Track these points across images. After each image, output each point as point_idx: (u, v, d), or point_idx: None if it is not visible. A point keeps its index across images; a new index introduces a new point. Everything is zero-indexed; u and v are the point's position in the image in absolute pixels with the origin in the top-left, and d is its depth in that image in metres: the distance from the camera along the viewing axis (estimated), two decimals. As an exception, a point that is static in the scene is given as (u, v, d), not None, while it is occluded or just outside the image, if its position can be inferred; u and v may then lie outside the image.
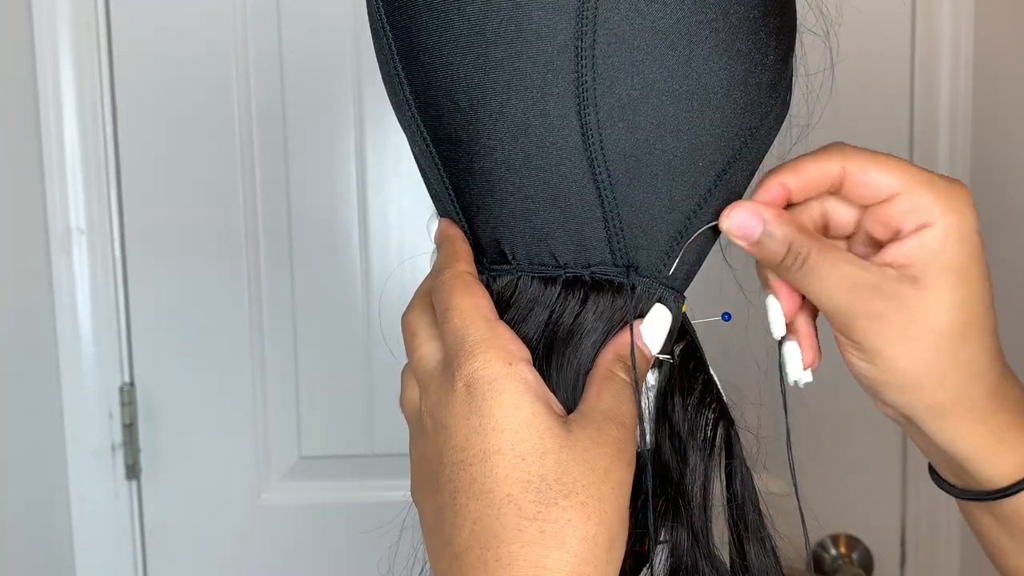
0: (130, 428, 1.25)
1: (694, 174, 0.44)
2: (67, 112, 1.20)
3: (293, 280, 1.26)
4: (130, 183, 1.24)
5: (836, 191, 0.46)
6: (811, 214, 0.47)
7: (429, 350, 0.45)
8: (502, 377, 0.41)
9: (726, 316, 0.49)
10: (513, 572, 0.39)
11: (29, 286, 1.19)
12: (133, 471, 1.26)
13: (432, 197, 0.50)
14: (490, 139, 0.44)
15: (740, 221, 0.44)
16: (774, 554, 0.47)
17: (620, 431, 0.43)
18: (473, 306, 0.43)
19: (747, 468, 0.47)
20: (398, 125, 1.31)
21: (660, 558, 0.45)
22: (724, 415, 0.47)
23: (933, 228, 0.43)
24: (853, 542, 1.25)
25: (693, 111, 0.43)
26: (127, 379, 1.26)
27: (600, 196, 0.44)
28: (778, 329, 0.47)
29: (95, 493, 1.26)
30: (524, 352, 0.43)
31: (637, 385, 0.44)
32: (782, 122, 0.47)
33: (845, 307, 0.44)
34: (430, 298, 0.46)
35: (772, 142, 0.47)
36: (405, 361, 0.48)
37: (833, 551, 1.25)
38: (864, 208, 0.46)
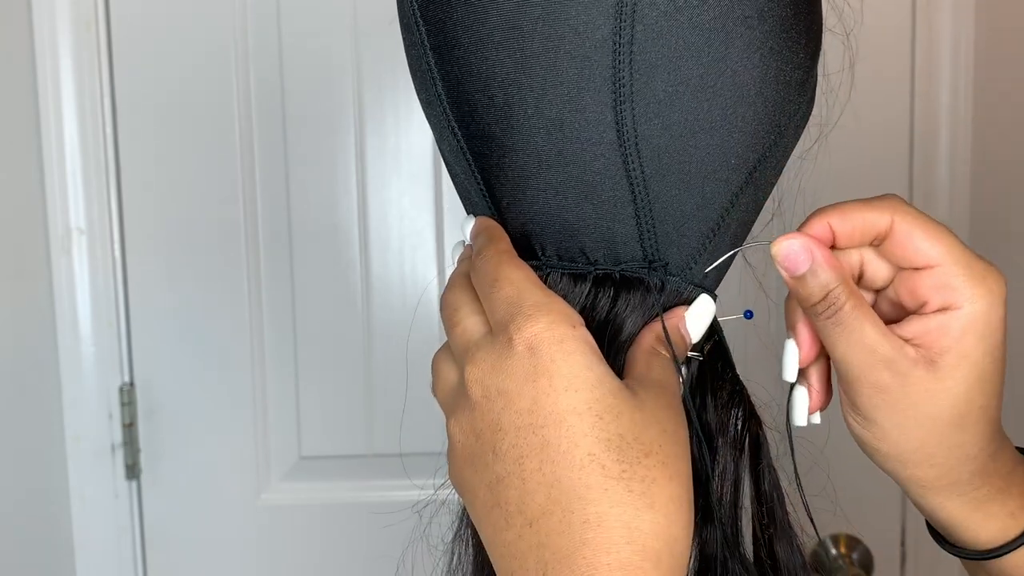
0: (130, 428, 1.25)
1: (726, 171, 0.44)
2: (67, 112, 1.20)
3: (293, 280, 1.26)
4: (130, 183, 1.24)
5: (878, 244, 0.46)
6: (850, 260, 0.47)
7: (473, 322, 0.43)
8: (570, 338, 0.40)
9: (748, 314, 0.49)
10: (603, 534, 0.38)
11: (29, 286, 1.19)
12: (133, 471, 1.26)
13: (460, 195, 0.50)
14: (524, 134, 0.44)
15: (790, 252, 0.44)
16: (800, 552, 0.47)
17: (675, 399, 0.42)
18: (524, 276, 0.42)
19: (773, 468, 0.47)
20: (398, 125, 1.31)
21: (690, 557, 0.44)
22: (753, 414, 0.47)
23: (958, 313, 0.43)
24: (853, 542, 1.25)
25: (727, 108, 0.43)
26: (127, 379, 1.25)
27: (633, 193, 0.44)
28: (790, 374, 0.47)
29: (95, 493, 1.26)
30: (580, 318, 0.42)
31: (677, 365, 0.44)
32: (807, 121, 0.47)
33: (857, 371, 0.44)
34: (468, 278, 0.45)
35: (797, 141, 0.47)
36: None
37: (833, 551, 1.25)
38: (899, 269, 0.46)
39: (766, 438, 0.47)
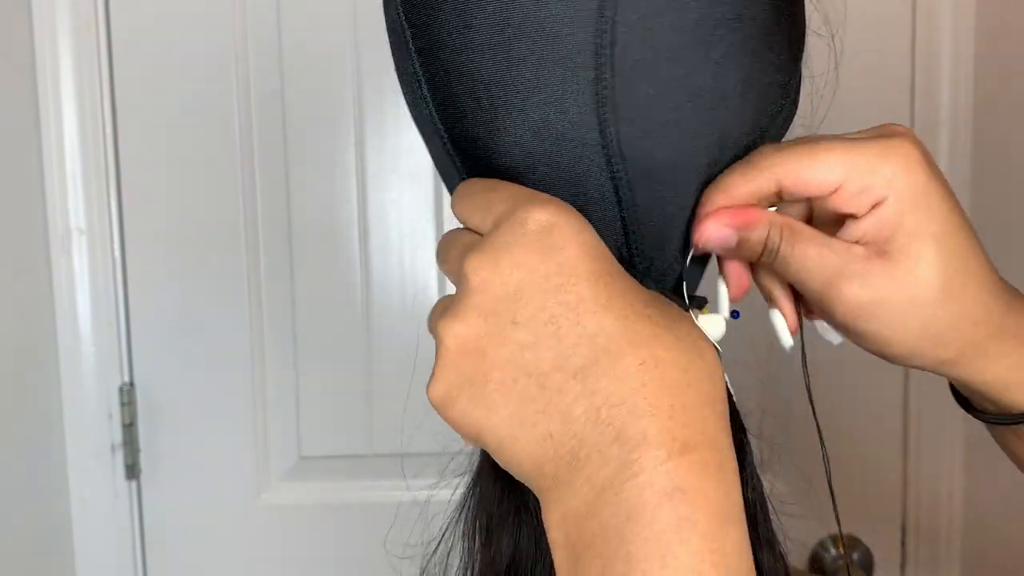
0: (130, 428, 1.25)
1: (708, 174, 0.44)
2: (67, 112, 1.20)
3: (293, 280, 1.26)
4: (130, 183, 1.24)
5: (777, 201, 0.45)
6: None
7: (473, 236, 0.42)
8: (584, 223, 0.39)
9: (735, 315, 0.49)
10: (663, 375, 0.36)
11: (29, 286, 1.19)
12: (133, 471, 1.26)
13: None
14: (509, 136, 0.44)
15: (714, 234, 0.44)
16: (783, 559, 0.47)
17: None
18: (521, 185, 0.42)
19: (757, 475, 0.47)
20: (398, 125, 1.31)
21: None
22: (737, 421, 0.47)
23: (886, 203, 0.43)
24: (853, 542, 1.25)
25: (708, 111, 0.43)
26: (127, 379, 1.25)
27: (618, 195, 0.44)
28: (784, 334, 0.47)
29: (95, 493, 1.26)
30: None
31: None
32: (790, 123, 0.47)
33: (820, 292, 0.44)
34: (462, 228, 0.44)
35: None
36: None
37: (833, 551, 1.25)
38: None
39: (750, 445, 0.47)
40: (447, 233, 0.45)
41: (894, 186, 0.42)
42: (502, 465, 0.40)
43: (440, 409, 0.40)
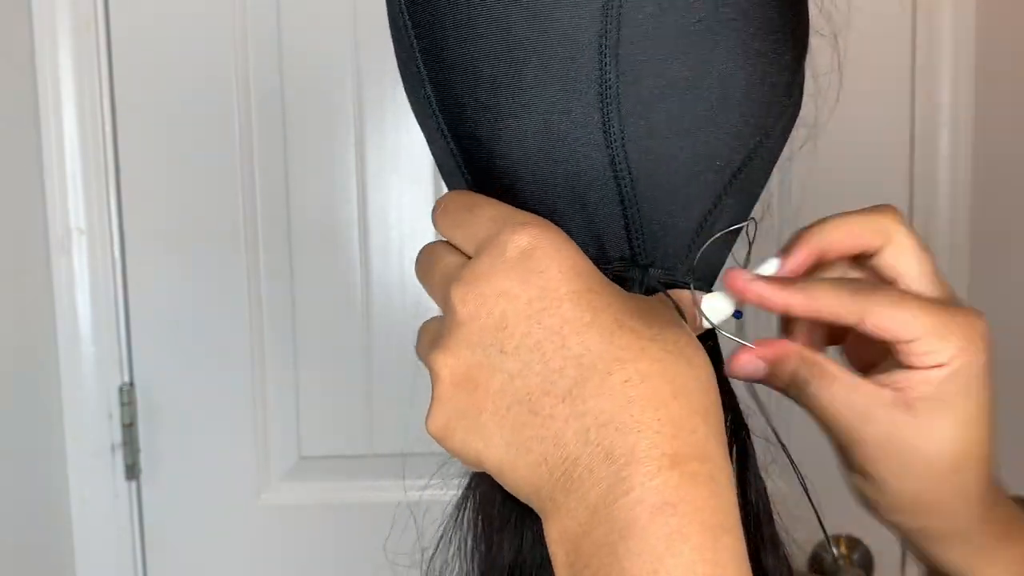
0: (130, 428, 1.25)
1: (711, 173, 0.44)
2: (67, 112, 1.20)
3: (293, 280, 1.26)
4: (130, 183, 1.24)
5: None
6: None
7: (454, 259, 0.42)
8: (567, 243, 0.39)
9: (737, 314, 0.48)
10: (649, 390, 0.36)
11: (29, 286, 1.19)
12: (133, 471, 1.26)
13: None
14: (513, 134, 0.44)
15: (744, 368, 0.46)
16: (787, 562, 0.47)
17: None
18: (501, 202, 0.42)
19: (760, 477, 0.47)
20: (398, 125, 1.31)
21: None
22: (741, 422, 0.47)
23: (941, 370, 0.44)
24: (853, 542, 1.25)
25: (712, 110, 0.43)
26: (127, 379, 1.25)
27: (620, 193, 0.44)
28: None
29: (95, 493, 1.26)
30: None
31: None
32: (794, 123, 0.47)
33: (843, 432, 0.45)
34: (441, 241, 0.45)
35: (785, 143, 0.47)
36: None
37: (833, 551, 1.25)
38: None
39: (753, 447, 0.47)
40: (426, 247, 0.45)
41: (956, 357, 0.44)
42: (505, 488, 0.40)
43: (440, 441, 0.40)
